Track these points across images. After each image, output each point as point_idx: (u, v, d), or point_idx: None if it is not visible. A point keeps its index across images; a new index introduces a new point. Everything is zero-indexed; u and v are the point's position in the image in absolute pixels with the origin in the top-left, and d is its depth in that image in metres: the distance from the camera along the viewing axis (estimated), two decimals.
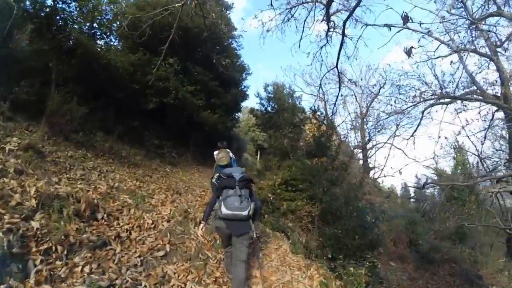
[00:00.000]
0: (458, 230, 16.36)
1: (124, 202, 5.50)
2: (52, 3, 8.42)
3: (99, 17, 9.69)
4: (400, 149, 22.67)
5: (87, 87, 9.61)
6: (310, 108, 15.58)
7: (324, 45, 7.97)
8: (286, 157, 12.38)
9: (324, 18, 7.15)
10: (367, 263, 6.27)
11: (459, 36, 10.42)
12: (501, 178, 9.94)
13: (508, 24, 9.48)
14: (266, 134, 17.09)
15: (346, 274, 5.51)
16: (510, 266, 13.18)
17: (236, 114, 19.55)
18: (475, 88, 11.92)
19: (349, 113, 25.54)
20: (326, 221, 8.78)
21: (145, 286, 3.47)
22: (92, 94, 10.01)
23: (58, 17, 8.58)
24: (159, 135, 13.38)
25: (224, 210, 3.61)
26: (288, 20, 7.93)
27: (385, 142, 21.81)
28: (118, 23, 10.44)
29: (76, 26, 9.21)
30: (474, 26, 10.09)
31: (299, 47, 9.36)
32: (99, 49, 10.01)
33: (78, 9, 9.11)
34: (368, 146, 23.40)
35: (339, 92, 9.61)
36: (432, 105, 11.17)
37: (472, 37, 10.58)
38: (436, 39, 10.94)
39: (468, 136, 14.09)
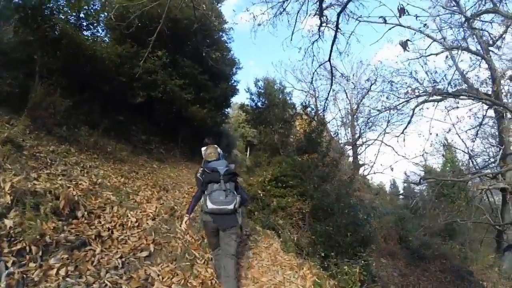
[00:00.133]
0: (448, 227, 16.49)
1: (107, 199, 5.21)
2: None
3: (86, 7, 9.41)
4: (390, 146, 22.65)
5: (72, 79, 9.26)
6: (301, 104, 15.48)
7: (316, 40, 7.92)
8: (276, 153, 12.20)
9: (317, 12, 7.11)
10: (362, 261, 6.10)
11: (454, 32, 10.40)
12: (497, 173, 9.93)
13: (501, 23, 9.37)
14: (256, 130, 16.93)
15: (340, 273, 5.33)
16: (500, 262, 13.21)
17: (226, 110, 19.17)
18: (466, 86, 11.93)
19: (339, 110, 25.37)
20: (317, 218, 8.63)
21: None
22: (78, 86, 9.66)
23: (44, 7, 8.26)
24: (146, 130, 13.01)
25: (209, 205, 3.60)
26: (280, 14, 7.73)
27: (375, 139, 21.88)
28: (105, 13, 10.14)
29: (62, 16, 8.89)
30: (466, 24, 10.05)
31: (291, 40, 9.27)
32: (85, 40, 9.62)
33: None
34: (358, 142, 23.38)
35: (331, 87, 9.57)
36: (424, 102, 11.12)
37: (464, 35, 10.56)
38: (429, 36, 10.94)
39: (458, 134, 14.19)
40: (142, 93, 11.51)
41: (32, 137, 6.60)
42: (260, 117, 15.02)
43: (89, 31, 10.38)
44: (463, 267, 13.14)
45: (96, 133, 9.08)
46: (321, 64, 8.77)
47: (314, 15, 7.39)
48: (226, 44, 16.74)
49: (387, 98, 13.46)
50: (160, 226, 5.05)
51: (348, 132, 25.12)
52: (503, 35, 10.45)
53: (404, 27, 9.29)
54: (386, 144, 18.84)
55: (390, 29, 7.94)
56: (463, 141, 17.50)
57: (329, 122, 21.55)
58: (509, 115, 12.30)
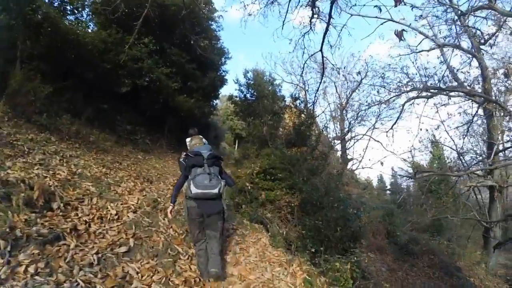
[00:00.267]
0: (435, 222, 16.57)
1: (86, 190, 4.91)
2: None
3: None
4: (378, 141, 22.75)
5: (54, 65, 8.95)
6: (291, 95, 15.31)
7: (307, 32, 7.75)
8: (265, 146, 11.98)
9: (309, 2, 6.93)
10: (354, 258, 5.92)
11: (446, 30, 10.42)
12: (492, 169, 9.93)
13: (495, 20, 9.30)
14: (245, 122, 16.73)
15: (331, 269, 5.14)
16: (487, 259, 13.45)
17: (214, 101, 18.90)
18: (456, 84, 11.95)
19: (329, 104, 25.23)
20: (306, 211, 8.44)
21: None
22: (60, 73, 9.34)
23: None
24: (132, 120, 12.67)
25: (193, 189, 3.51)
26: (272, 4, 7.52)
27: (364, 134, 21.86)
28: None
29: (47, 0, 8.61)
30: (459, 21, 9.96)
31: (282, 28, 9.02)
32: (68, 24, 9.27)
33: None
34: (347, 137, 23.32)
35: (322, 78, 9.38)
36: (415, 98, 11.08)
37: (457, 32, 10.52)
38: (421, 33, 10.98)
39: (447, 131, 14.26)
40: (128, 81, 11.16)
41: (11, 124, 6.32)
42: (249, 108, 14.81)
43: (73, 16, 10.10)
44: (451, 263, 13.12)
45: (79, 122, 8.87)
46: (313, 54, 8.59)
47: (306, 6, 7.18)
48: (215, 33, 16.43)
49: (378, 92, 13.49)
50: (142, 219, 4.76)
51: (337, 126, 25.03)
52: (496, 33, 10.40)
53: (396, 22, 9.24)
54: (375, 140, 18.79)
55: (382, 23, 8.09)
56: (451, 138, 17.57)
57: (318, 116, 21.39)
58: (499, 113, 12.38)
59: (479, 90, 11.31)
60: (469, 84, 11.74)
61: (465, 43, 11.88)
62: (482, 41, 11.22)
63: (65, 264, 3.06)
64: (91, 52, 9.46)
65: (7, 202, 3.48)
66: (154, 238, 4.33)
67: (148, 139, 12.75)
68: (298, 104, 14.75)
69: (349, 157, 23.51)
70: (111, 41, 10.29)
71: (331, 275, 5.00)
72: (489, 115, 12.17)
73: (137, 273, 3.44)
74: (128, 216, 4.66)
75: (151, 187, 7.07)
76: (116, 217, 4.48)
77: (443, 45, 11.27)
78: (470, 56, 11.52)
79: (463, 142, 14.34)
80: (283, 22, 7.50)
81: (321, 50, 7.38)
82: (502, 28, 9.77)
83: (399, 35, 5.28)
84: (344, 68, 21.26)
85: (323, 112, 24.43)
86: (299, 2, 7.23)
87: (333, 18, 6.96)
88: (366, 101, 17.67)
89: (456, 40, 10.91)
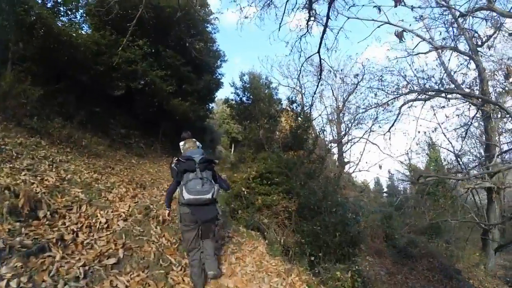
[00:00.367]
0: (433, 225, 16.51)
1: (75, 197, 4.69)
2: None
3: None
4: (375, 144, 22.64)
5: (46, 67, 8.83)
6: (287, 99, 15.22)
7: (304, 34, 7.66)
8: (261, 149, 11.83)
9: (306, 5, 6.91)
10: (355, 266, 5.76)
11: (443, 32, 10.41)
12: (496, 172, 9.84)
13: (493, 21, 9.22)
14: (241, 126, 16.59)
15: (331, 278, 4.96)
16: (486, 260, 13.40)
17: (210, 104, 18.68)
18: (453, 86, 11.92)
19: (325, 107, 25.20)
20: (304, 216, 8.29)
21: None
22: (53, 75, 9.21)
23: None
24: (126, 123, 12.46)
25: (186, 195, 3.39)
26: (268, 7, 7.48)
27: (361, 137, 21.79)
28: None
29: (39, 0, 8.53)
30: (455, 23, 9.90)
31: (279, 30, 8.90)
32: (60, 25, 9.08)
33: None
34: (344, 140, 23.25)
35: (319, 80, 9.28)
36: (413, 100, 10.98)
37: (454, 34, 10.49)
38: (418, 35, 10.96)
39: (444, 133, 14.19)
40: (122, 84, 11.00)
41: (0, 128, 6.16)
42: (245, 112, 14.70)
43: (67, 17, 9.94)
44: (450, 266, 13.05)
45: (71, 125, 8.68)
46: (310, 56, 8.48)
47: (302, 8, 7.18)
48: (210, 35, 16.25)
49: (375, 95, 13.58)
50: (133, 227, 4.53)
51: (333, 130, 24.93)
52: (494, 35, 10.33)
53: (393, 24, 9.21)
54: (372, 143, 18.76)
55: (379, 26, 7.94)
56: (449, 141, 17.54)
57: (315, 119, 21.28)
58: (496, 115, 12.36)
59: (477, 92, 11.26)
60: (467, 86, 11.74)
61: (462, 45, 11.85)
62: (480, 43, 11.18)
63: (49, 278, 2.85)
64: (84, 54, 9.29)
65: None
66: (145, 248, 4.11)
67: (142, 143, 12.54)
68: (295, 108, 14.64)
69: (346, 160, 23.45)
70: (105, 43, 10.14)
71: (331, 284, 4.84)
72: (486, 117, 12.10)
73: (127, 287, 3.23)
74: (118, 225, 4.44)
75: (144, 193, 6.84)
76: (106, 225, 4.26)
77: (440, 47, 11.23)
78: (468, 58, 11.46)
79: (462, 145, 14.29)
80: (280, 24, 7.42)
81: (318, 52, 7.33)
82: (500, 30, 9.71)
83: (400, 36, 5.34)
84: (341, 70, 21.23)
85: (319, 115, 24.35)
86: (295, 4, 7.20)
87: (330, 19, 6.89)
88: (363, 104, 17.68)
89: (453, 42, 10.86)
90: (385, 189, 34.22)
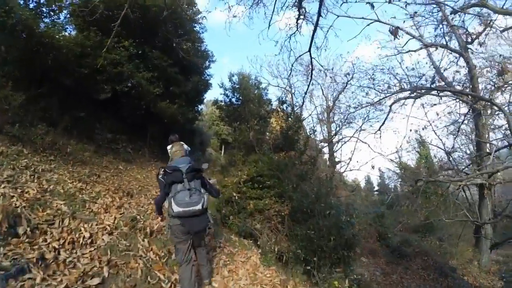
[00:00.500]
0: (425, 222, 16.44)
1: (57, 210, 4.45)
2: None
3: None
4: (365, 143, 22.66)
5: (28, 71, 8.52)
6: (278, 99, 15.05)
7: (294, 33, 7.68)
8: (252, 152, 11.61)
9: (296, 3, 6.86)
10: (354, 275, 5.61)
11: (432, 30, 10.41)
12: (494, 172, 9.84)
13: (481, 21, 9.17)
14: (231, 128, 16.39)
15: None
16: (479, 256, 13.49)
17: (199, 106, 18.37)
18: (443, 84, 11.94)
19: (315, 107, 25.16)
20: (297, 220, 8.10)
21: None
22: (35, 79, 8.86)
23: None
24: (112, 128, 12.11)
25: (175, 208, 3.35)
26: (257, 5, 7.38)
27: (351, 136, 21.79)
28: None
29: (21, 1, 8.29)
30: (445, 20, 9.85)
31: (268, 28, 8.69)
32: (43, 27, 8.82)
33: None
34: (334, 140, 23.19)
35: (310, 79, 9.18)
36: (405, 98, 10.91)
37: (443, 32, 10.47)
38: (407, 33, 10.91)
39: (434, 131, 14.22)
40: (107, 86, 10.70)
41: None
42: (234, 113, 14.47)
43: (50, 18, 9.58)
44: (445, 264, 13.11)
45: (54, 132, 8.37)
46: (301, 55, 8.41)
47: (292, 7, 7.10)
48: (198, 35, 15.93)
49: (366, 94, 13.56)
50: (118, 242, 4.29)
51: (324, 129, 24.87)
52: (485, 32, 10.30)
53: (383, 22, 9.18)
54: (362, 142, 18.74)
55: (368, 24, 8.32)
56: (439, 138, 17.57)
57: (305, 119, 21.18)
58: (486, 112, 12.41)
59: (467, 90, 11.29)
60: (457, 83, 11.73)
61: (454, 43, 11.84)
62: (469, 40, 11.15)
63: None
64: (67, 56, 8.97)
65: None
66: (131, 265, 3.88)
67: (130, 147, 12.23)
68: (285, 108, 14.48)
69: (336, 159, 23.40)
70: (90, 44, 9.78)
71: None
72: (477, 114, 12.10)
73: None
74: (103, 239, 4.19)
75: (131, 202, 6.57)
76: (90, 240, 4.02)
77: (430, 44, 11.24)
78: (457, 55, 11.44)
79: (454, 143, 14.33)
80: (269, 23, 7.32)
81: (309, 50, 7.23)
82: (491, 27, 9.68)
83: (395, 33, 5.25)
84: (332, 69, 21.17)
85: (310, 115, 24.25)
86: (285, 3, 7.06)
87: (322, 17, 6.77)
88: (353, 103, 17.68)
89: (444, 39, 10.82)
90: (376, 187, 34.33)
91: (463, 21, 9.50)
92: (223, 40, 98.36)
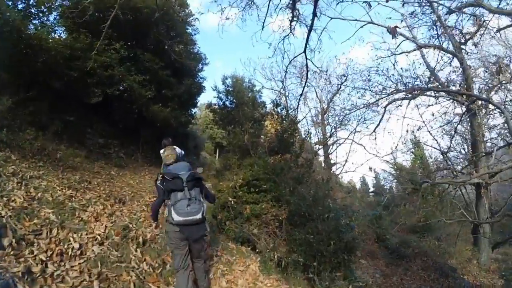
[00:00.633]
0: (423, 222, 16.42)
1: (45, 220, 4.20)
2: None
3: None
4: (361, 144, 22.65)
5: (17, 74, 8.36)
6: (272, 101, 14.96)
7: (287, 35, 7.44)
8: (247, 155, 11.46)
9: (289, 4, 6.68)
10: (359, 283, 5.44)
11: (430, 29, 10.40)
12: (496, 173, 9.83)
13: (474, 21, 9.13)
14: (225, 131, 16.27)
15: None
16: (478, 255, 13.36)
17: (192, 110, 18.11)
18: (437, 84, 11.95)
19: (310, 109, 25.08)
20: (295, 224, 7.93)
21: None
22: (23, 83, 8.69)
23: None
24: (104, 132, 11.87)
25: (175, 217, 3.30)
26: (250, 7, 7.24)
27: (346, 138, 21.79)
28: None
29: (9, 2, 8.09)
30: (438, 21, 9.82)
31: (262, 29, 8.47)
32: (32, 28, 8.70)
33: None
34: (329, 142, 23.16)
35: (306, 81, 9.06)
36: (401, 99, 10.95)
37: (437, 33, 10.46)
38: (401, 34, 10.94)
39: (429, 132, 14.25)
40: (98, 90, 10.47)
41: None
42: (228, 116, 14.40)
43: (39, 20, 9.43)
44: (445, 264, 13.05)
45: (44, 137, 8.15)
46: (296, 56, 8.26)
47: (286, 8, 6.94)
48: (191, 36, 15.69)
49: (362, 95, 13.64)
50: (109, 252, 4.05)
51: (318, 132, 24.80)
52: (479, 32, 10.27)
53: (376, 24, 9.14)
54: (357, 143, 18.77)
55: (362, 26, 8.03)
56: (434, 139, 17.54)
57: (300, 121, 21.12)
58: (481, 112, 12.44)
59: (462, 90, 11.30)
60: (453, 84, 11.71)
61: (448, 44, 11.83)
62: (463, 40, 11.12)
63: None
64: (55, 58, 8.74)
65: None
66: (124, 277, 3.65)
67: (122, 152, 11.96)
68: (280, 111, 14.36)
69: (332, 161, 23.34)
70: (80, 47, 9.53)
71: None
72: (472, 114, 12.06)
73: None
74: (93, 250, 3.93)
75: (123, 209, 6.29)
76: (79, 252, 3.78)
77: (424, 45, 11.22)
78: (450, 56, 11.41)
79: (451, 143, 14.38)
80: (263, 24, 7.12)
81: (304, 52, 7.02)
82: (486, 28, 9.64)
83: (393, 31, 5.09)
84: (326, 71, 21.13)
85: (304, 117, 24.18)
86: (278, 4, 6.95)
87: (317, 17, 6.63)
88: (348, 105, 17.67)
89: (437, 40, 10.80)
90: (372, 188, 34.34)
91: (457, 22, 9.49)
92: (216, 43, 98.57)
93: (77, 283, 3.22)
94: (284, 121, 13.12)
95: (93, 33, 9.62)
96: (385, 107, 11.25)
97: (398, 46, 12.39)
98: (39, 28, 8.96)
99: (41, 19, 9.41)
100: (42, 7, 9.08)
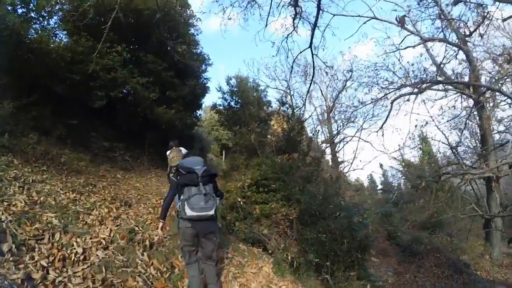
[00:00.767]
0: (433, 218, 16.22)
1: (47, 224, 4.02)
2: None
3: None
4: (368, 142, 22.46)
5: (18, 78, 8.22)
6: (278, 100, 14.85)
7: (290, 33, 7.39)
8: (254, 155, 11.35)
9: (291, 2, 6.68)
10: (380, 283, 5.25)
11: (429, 25, 10.28)
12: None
13: (476, 14, 8.95)
14: (231, 132, 16.18)
15: None
16: (491, 250, 13.36)
17: (197, 111, 17.93)
18: (443, 78, 11.84)
19: (315, 108, 24.99)
20: (306, 223, 7.74)
21: None
22: (25, 87, 8.54)
23: None
24: (108, 135, 11.76)
25: (188, 212, 3.26)
26: (252, 7, 7.25)
27: (353, 136, 21.59)
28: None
29: (9, 8, 7.91)
30: (442, 14, 9.64)
31: (265, 26, 8.35)
32: (33, 32, 8.62)
33: None
34: (336, 140, 22.96)
35: (312, 77, 8.83)
36: (408, 94, 10.73)
37: (442, 26, 10.35)
38: (405, 29, 10.67)
39: (437, 126, 14.11)
40: (101, 93, 10.30)
41: None
42: (234, 117, 14.40)
43: (39, 24, 9.29)
44: (459, 260, 12.87)
45: (47, 141, 8.10)
46: (302, 51, 8.04)
47: (288, 6, 6.93)
48: (193, 37, 15.47)
49: (369, 90, 13.65)
50: (114, 257, 3.86)
51: (325, 130, 24.62)
52: (484, 23, 10.08)
53: (380, 19, 8.97)
54: (364, 140, 18.57)
55: (365, 22, 8.42)
56: (443, 133, 17.32)
57: (306, 120, 20.96)
58: (490, 104, 12.32)
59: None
60: (462, 76, 11.55)
61: (451, 37, 11.66)
62: (467, 32, 10.94)
63: None
64: (57, 62, 8.66)
65: None
66: (130, 283, 3.45)
67: (128, 155, 11.82)
68: (285, 109, 14.23)
69: (339, 159, 23.16)
70: (81, 50, 9.46)
71: None
72: (480, 107, 11.86)
73: None
74: (97, 255, 3.74)
75: (129, 212, 6.10)
76: (83, 257, 3.59)
77: (428, 39, 11.07)
78: (456, 49, 11.22)
79: (461, 137, 14.22)
80: (266, 23, 7.15)
81: (310, 47, 6.85)
82: (490, 19, 9.47)
83: (402, 21, 5.10)
84: (332, 68, 21.00)
85: (310, 116, 24.02)
86: (280, 2, 6.90)
87: (322, 10, 6.45)
88: (353, 102, 17.61)
89: (441, 33, 10.62)
90: (380, 186, 34.13)
91: (461, 14, 9.32)
92: (219, 46, 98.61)
93: None
94: (291, 120, 12.98)
95: (94, 36, 9.51)
96: (392, 102, 11.08)
97: (402, 41, 12.29)
98: (40, 32, 8.91)
99: (42, 23, 9.33)
100: (42, 11, 8.97)
